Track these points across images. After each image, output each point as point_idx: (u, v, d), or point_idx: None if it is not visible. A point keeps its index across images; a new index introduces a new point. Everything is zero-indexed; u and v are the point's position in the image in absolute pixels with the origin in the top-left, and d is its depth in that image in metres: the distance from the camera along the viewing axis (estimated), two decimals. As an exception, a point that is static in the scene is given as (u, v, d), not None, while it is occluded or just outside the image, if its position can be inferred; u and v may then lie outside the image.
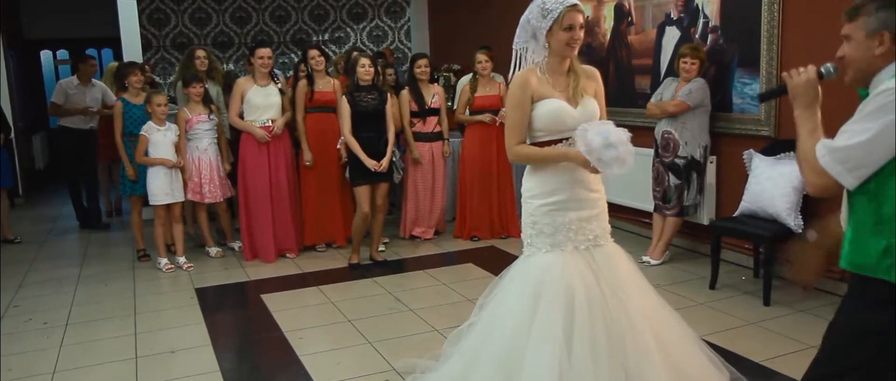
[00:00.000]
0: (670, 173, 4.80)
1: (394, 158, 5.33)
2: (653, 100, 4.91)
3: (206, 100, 5.37)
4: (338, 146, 5.29)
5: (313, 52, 5.45)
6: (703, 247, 5.11)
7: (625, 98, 5.70)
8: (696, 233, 5.16)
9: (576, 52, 2.51)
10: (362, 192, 5.05)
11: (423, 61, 5.69)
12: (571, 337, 2.41)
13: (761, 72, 4.47)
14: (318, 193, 5.51)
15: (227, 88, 5.72)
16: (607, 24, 5.85)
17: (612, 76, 5.84)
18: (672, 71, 4.99)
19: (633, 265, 2.69)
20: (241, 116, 5.26)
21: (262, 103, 5.25)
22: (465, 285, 4.66)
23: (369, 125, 5.05)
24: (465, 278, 4.82)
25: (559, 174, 2.53)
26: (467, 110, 5.78)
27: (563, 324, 2.41)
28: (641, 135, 5.53)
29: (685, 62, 4.68)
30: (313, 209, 5.54)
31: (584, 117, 2.50)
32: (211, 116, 5.36)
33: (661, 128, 4.83)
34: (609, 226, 2.70)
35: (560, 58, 2.52)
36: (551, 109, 2.50)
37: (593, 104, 2.56)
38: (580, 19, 2.45)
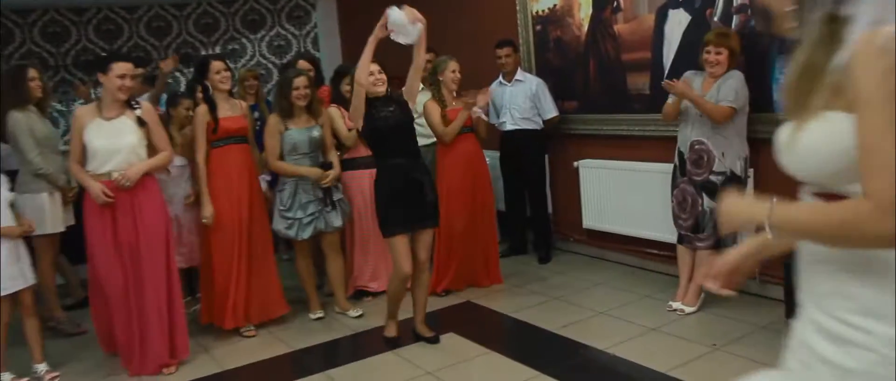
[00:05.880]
0: (704, 195, 3.73)
1: (336, 197, 4.21)
2: (669, 101, 3.85)
3: None
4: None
5: (218, 66, 4.00)
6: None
7: (614, 102, 4.62)
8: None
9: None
10: (400, 243, 3.58)
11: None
12: None
13: (816, 58, 3.47)
14: (227, 260, 3.98)
15: None
16: (583, 11, 4.76)
17: (593, 76, 4.75)
18: (680, 66, 4.01)
19: None
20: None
21: (104, 146, 3.49)
22: (456, 372, 3.37)
23: (395, 147, 3.64)
24: (454, 360, 3.51)
25: None
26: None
27: None
28: (640, 147, 4.52)
29: (708, 54, 3.66)
30: (222, 283, 3.99)
31: None
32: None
33: (690, 138, 3.76)
34: None
35: None
36: None
37: None
38: None
